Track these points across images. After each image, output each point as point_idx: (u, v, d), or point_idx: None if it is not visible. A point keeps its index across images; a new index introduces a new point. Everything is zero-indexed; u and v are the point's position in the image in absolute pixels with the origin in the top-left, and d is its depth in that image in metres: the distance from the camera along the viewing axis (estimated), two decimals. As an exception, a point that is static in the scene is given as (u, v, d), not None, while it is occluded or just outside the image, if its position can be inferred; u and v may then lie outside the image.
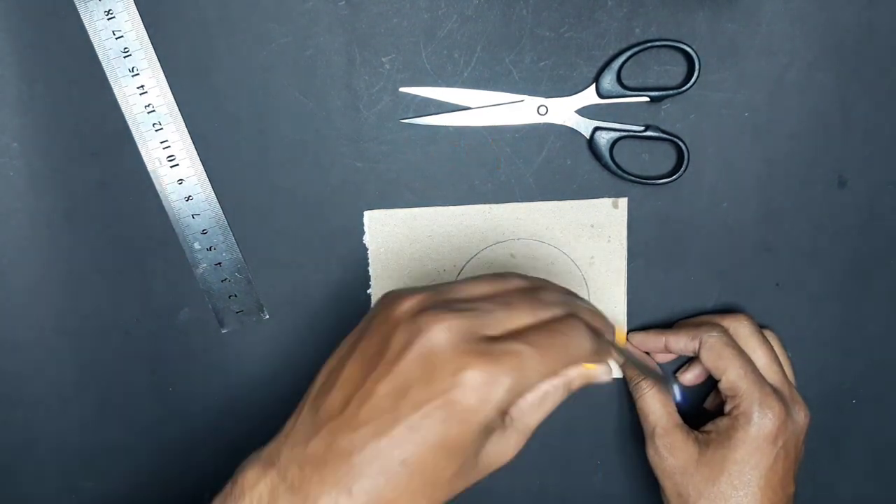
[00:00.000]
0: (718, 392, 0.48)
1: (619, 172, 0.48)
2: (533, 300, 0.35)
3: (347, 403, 0.33)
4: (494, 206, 0.49)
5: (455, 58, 0.47)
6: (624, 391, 0.51)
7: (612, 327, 0.38)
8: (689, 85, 0.47)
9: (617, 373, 0.50)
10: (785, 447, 0.44)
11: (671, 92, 0.47)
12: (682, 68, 0.47)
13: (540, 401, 0.35)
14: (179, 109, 0.47)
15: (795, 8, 0.47)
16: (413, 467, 0.32)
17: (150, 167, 0.47)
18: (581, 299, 0.38)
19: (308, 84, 0.47)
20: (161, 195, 0.48)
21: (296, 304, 0.50)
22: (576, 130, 0.48)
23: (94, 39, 0.46)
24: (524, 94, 0.47)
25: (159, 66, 0.46)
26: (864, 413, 0.52)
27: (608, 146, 0.48)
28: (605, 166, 0.48)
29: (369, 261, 0.49)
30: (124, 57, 0.46)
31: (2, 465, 0.51)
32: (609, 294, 0.50)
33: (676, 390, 0.50)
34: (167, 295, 0.49)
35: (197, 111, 0.47)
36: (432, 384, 0.32)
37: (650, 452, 0.47)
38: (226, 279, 0.49)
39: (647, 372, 0.47)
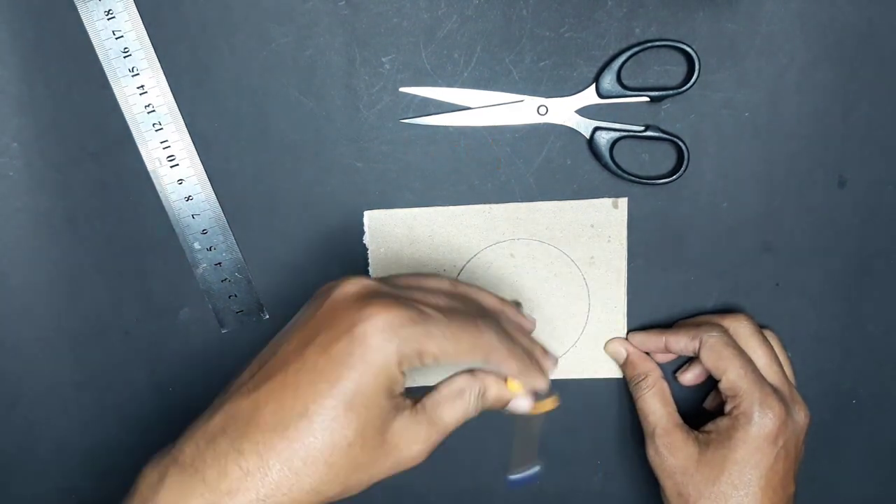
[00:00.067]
0: (718, 392, 0.48)
1: (619, 172, 0.48)
2: (454, 298, 0.35)
3: (256, 372, 0.33)
4: (494, 206, 0.49)
5: (455, 58, 0.47)
6: (624, 391, 0.51)
7: (548, 370, 0.38)
8: (689, 85, 0.47)
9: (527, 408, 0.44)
10: (785, 447, 0.44)
11: (671, 92, 0.47)
12: (682, 68, 0.47)
13: (454, 395, 0.34)
14: (179, 109, 0.47)
15: (795, 8, 0.47)
16: (312, 420, 0.30)
17: (150, 167, 0.47)
18: (511, 322, 0.37)
19: (308, 84, 0.47)
20: (161, 195, 0.48)
21: (296, 304, 0.49)
22: (576, 130, 0.48)
23: (94, 39, 0.46)
24: (524, 94, 0.47)
25: (159, 66, 0.47)
26: (864, 413, 0.52)
27: (608, 146, 0.48)
28: (605, 166, 0.48)
29: (369, 261, 0.49)
30: (124, 57, 0.46)
31: (2, 465, 0.51)
32: (609, 294, 0.50)
33: None
34: (167, 295, 0.49)
35: (197, 111, 0.47)
36: (337, 326, 0.31)
37: (650, 452, 0.47)
38: (226, 279, 0.49)
39: (640, 376, 0.48)
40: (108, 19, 0.46)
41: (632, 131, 0.48)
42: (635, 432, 0.50)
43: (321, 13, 0.46)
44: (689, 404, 0.51)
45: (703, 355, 0.46)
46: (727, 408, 0.45)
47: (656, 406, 0.47)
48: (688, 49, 0.46)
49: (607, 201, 0.49)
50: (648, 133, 0.48)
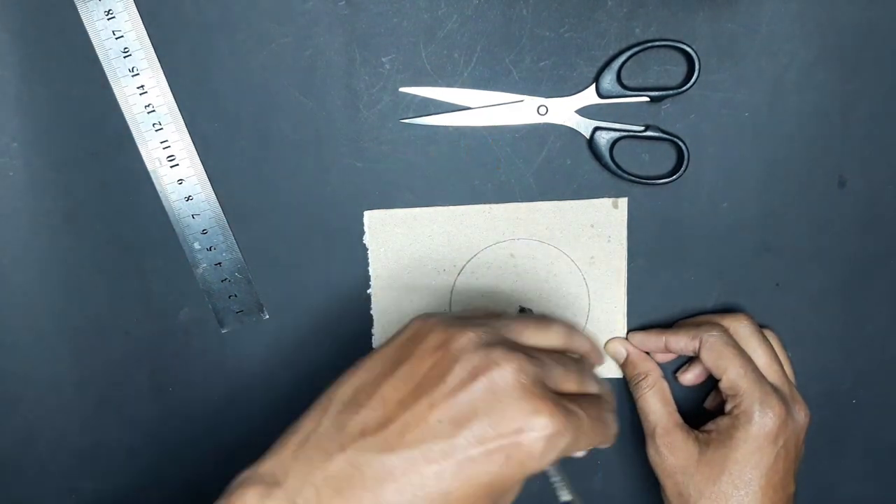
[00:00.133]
0: (719, 392, 0.48)
1: (619, 172, 0.48)
2: (581, 370, 0.35)
3: (387, 424, 0.31)
4: (494, 206, 0.49)
5: (455, 58, 0.47)
6: (624, 391, 0.51)
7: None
8: (689, 85, 0.47)
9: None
10: (786, 446, 0.44)
11: (671, 92, 0.47)
12: (682, 68, 0.47)
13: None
14: (179, 109, 0.47)
15: (795, 8, 0.47)
16: (451, 501, 0.30)
17: (150, 167, 0.47)
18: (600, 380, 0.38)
19: (308, 84, 0.47)
20: (161, 195, 0.48)
21: (296, 304, 0.50)
22: (576, 130, 0.48)
23: (94, 39, 0.46)
24: (524, 94, 0.47)
25: (159, 66, 0.46)
26: (864, 413, 0.52)
27: (608, 146, 0.48)
28: (605, 166, 0.48)
29: (369, 261, 0.49)
30: (124, 57, 0.46)
31: (2, 465, 0.51)
32: (609, 294, 0.50)
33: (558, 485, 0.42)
34: (167, 295, 0.49)
35: (197, 111, 0.47)
36: (501, 422, 0.30)
37: (650, 452, 0.47)
38: (226, 279, 0.49)
39: (641, 376, 0.48)
40: (108, 19, 0.46)
41: (632, 131, 0.48)
42: (635, 432, 0.50)
43: (321, 13, 0.46)
44: (689, 404, 0.51)
45: (704, 355, 0.46)
46: (727, 407, 0.45)
47: (656, 406, 0.47)
48: (688, 49, 0.46)
49: (607, 201, 0.49)
50: (648, 133, 0.48)
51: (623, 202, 0.49)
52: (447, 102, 0.47)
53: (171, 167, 0.47)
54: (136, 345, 0.50)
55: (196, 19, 0.46)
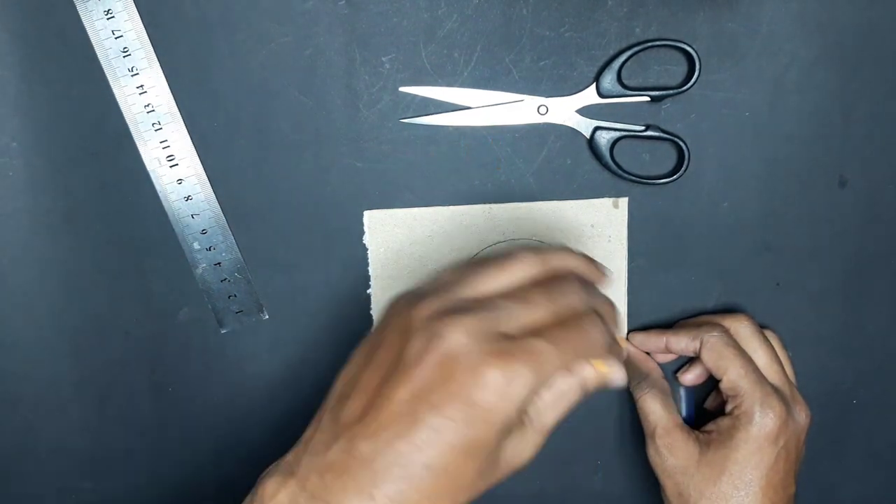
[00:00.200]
0: (719, 392, 0.48)
1: (620, 172, 0.48)
2: (551, 295, 0.35)
3: (367, 410, 0.33)
4: (494, 206, 0.49)
5: (455, 57, 0.47)
6: (624, 391, 0.51)
7: (620, 322, 0.38)
8: (689, 85, 0.47)
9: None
10: (786, 447, 0.44)
11: (671, 92, 0.47)
12: (682, 68, 0.47)
13: (557, 399, 0.35)
14: (179, 109, 0.47)
15: (795, 8, 0.47)
16: (436, 470, 0.32)
17: (149, 167, 0.47)
18: (595, 290, 0.38)
19: (308, 84, 0.47)
20: (161, 195, 0.48)
21: (296, 304, 0.50)
22: (576, 130, 0.48)
23: (93, 39, 0.46)
24: (524, 93, 0.47)
25: (159, 66, 0.46)
26: (864, 413, 0.52)
27: (608, 146, 0.48)
28: (606, 166, 0.48)
29: (369, 261, 0.49)
30: (124, 56, 0.46)
31: (2, 465, 0.51)
32: (609, 294, 0.50)
33: (683, 405, 0.49)
34: (167, 295, 0.49)
35: (196, 111, 0.47)
36: (452, 386, 0.32)
37: (651, 452, 0.47)
38: (225, 279, 0.49)
39: (641, 376, 0.47)
40: (108, 19, 0.46)
41: (632, 131, 0.47)
42: (635, 432, 0.50)
43: (321, 13, 0.46)
44: (692, 420, 0.51)
45: (704, 355, 0.46)
46: (728, 408, 0.45)
47: (656, 406, 0.47)
48: (688, 49, 0.46)
49: (607, 201, 0.49)
50: (649, 133, 0.48)
51: (623, 202, 0.49)
52: (447, 102, 0.47)
53: (171, 167, 0.47)
54: (135, 345, 0.50)
55: (196, 19, 0.46)
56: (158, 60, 0.46)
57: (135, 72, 0.46)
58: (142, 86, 0.47)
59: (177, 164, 0.47)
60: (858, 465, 0.53)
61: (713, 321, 0.48)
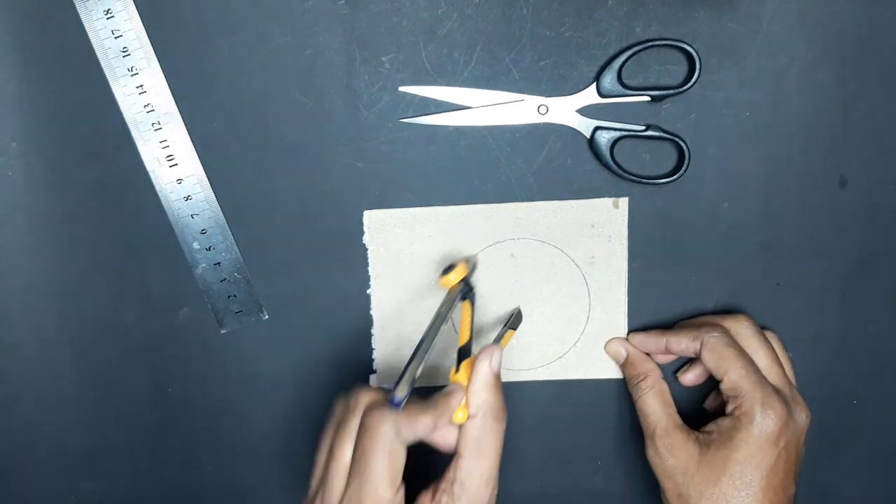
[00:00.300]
0: (719, 392, 0.48)
1: (620, 172, 0.48)
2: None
3: (335, 495, 0.39)
4: (494, 206, 0.49)
5: (455, 57, 0.47)
6: (624, 391, 0.51)
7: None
8: (689, 84, 0.47)
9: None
10: (786, 448, 0.44)
11: (672, 91, 0.47)
12: (682, 68, 0.47)
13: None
14: (178, 109, 0.47)
15: (796, 8, 0.47)
16: None
17: (149, 167, 0.47)
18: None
19: (308, 84, 0.47)
20: (160, 195, 0.48)
21: (296, 304, 0.50)
22: (576, 130, 0.48)
23: (93, 39, 0.46)
24: (524, 93, 0.47)
25: (158, 66, 0.46)
26: (864, 413, 0.52)
27: (609, 146, 0.47)
28: (606, 166, 0.48)
29: (369, 261, 0.49)
30: (123, 56, 0.46)
31: (2, 465, 0.51)
32: (609, 294, 0.50)
33: None
34: (167, 295, 0.49)
35: (196, 111, 0.47)
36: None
37: (650, 453, 0.47)
38: (225, 279, 0.49)
39: (641, 377, 0.49)
40: (107, 18, 0.46)
41: (632, 131, 0.47)
42: (635, 432, 0.50)
43: (321, 13, 0.46)
44: (689, 405, 0.51)
45: (705, 356, 0.46)
46: (728, 408, 0.45)
47: (656, 407, 0.47)
48: (688, 48, 0.46)
49: (608, 201, 0.49)
50: (649, 132, 0.47)
51: (624, 202, 0.49)
52: (447, 102, 0.47)
53: (171, 167, 0.47)
54: (135, 345, 0.50)
55: (195, 19, 0.46)
56: (158, 60, 0.46)
57: (134, 71, 0.46)
58: (141, 85, 0.47)
59: (176, 164, 0.47)
60: (858, 465, 0.53)
61: (713, 322, 0.48)
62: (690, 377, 0.50)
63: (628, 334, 0.50)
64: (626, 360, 0.50)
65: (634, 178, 0.48)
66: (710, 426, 0.46)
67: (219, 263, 0.49)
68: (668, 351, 0.48)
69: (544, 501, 0.53)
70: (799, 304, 0.51)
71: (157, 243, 0.48)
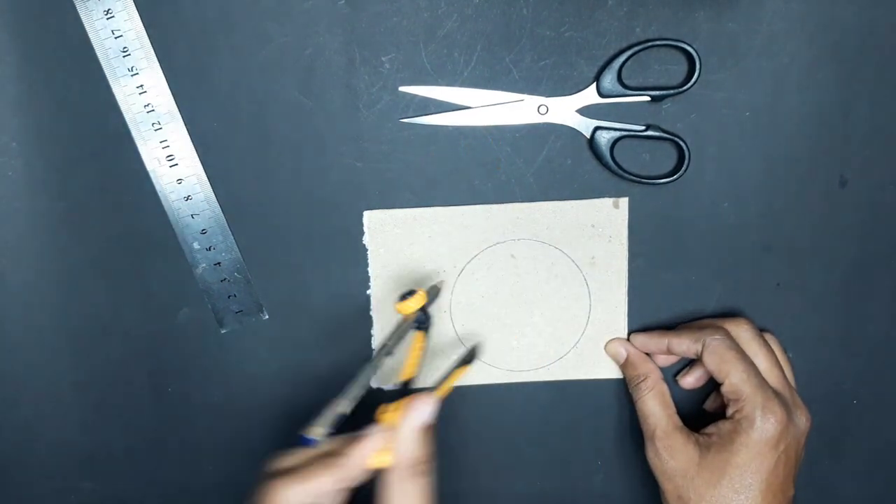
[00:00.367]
0: (719, 394, 0.48)
1: (620, 172, 0.48)
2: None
3: None
4: (494, 206, 0.49)
5: (455, 57, 0.47)
6: (624, 391, 0.51)
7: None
8: (689, 84, 0.47)
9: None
10: (786, 451, 0.44)
11: (672, 91, 0.47)
12: (682, 68, 0.47)
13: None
14: (179, 109, 0.47)
15: (796, 7, 0.47)
16: None
17: (149, 167, 0.47)
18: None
19: (308, 84, 0.47)
20: (160, 195, 0.48)
21: (295, 304, 0.50)
22: (576, 130, 0.48)
23: (93, 39, 0.46)
24: (524, 93, 0.47)
25: (158, 66, 0.46)
26: (864, 414, 0.52)
27: (609, 146, 0.47)
28: (606, 166, 0.48)
29: (369, 261, 0.49)
30: (123, 56, 0.46)
31: (2, 465, 0.51)
32: (609, 294, 0.50)
33: None
34: (167, 295, 0.49)
35: (196, 110, 0.47)
36: None
37: (650, 454, 0.47)
38: (225, 279, 0.49)
39: (641, 377, 0.49)
40: (108, 18, 0.46)
41: (632, 131, 0.47)
42: (635, 433, 0.50)
43: (321, 13, 0.46)
44: (689, 406, 0.51)
45: (706, 358, 0.46)
46: (729, 411, 0.45)
47: (656, 408, 0.47)
48: (689, 48, 0.46)
49: (608, 201, 0.49)
50: (649, 133, 0.47)
51: (624, 202, 0.49)
52: (447, 102, 0.47)
53: (171, 167, 0.47)
54: (135, 345, 0.50)
55: (195, 19, 0.46)
56: (158, 60, 0.46)
57: (134, 71, 0.46)
58: (141, 85, 0.47)
59: (177, 164, 0.47)
60: (858, 465, 0.53)
61: (714, 325, 0.48)
62: (690, 380, 0.50)
63: (630, 335, 0.50)
64: (627, 360, 0.50)
65: (634, 178, 0.48)
66: (711, 428, 0.46)
67: (219, 263, 0.49)
68: (669, 352, 0.48)
69: (544, 501, 0.53)
70: (799, 305, 0.51)
71: (157, 243, 0.48)
